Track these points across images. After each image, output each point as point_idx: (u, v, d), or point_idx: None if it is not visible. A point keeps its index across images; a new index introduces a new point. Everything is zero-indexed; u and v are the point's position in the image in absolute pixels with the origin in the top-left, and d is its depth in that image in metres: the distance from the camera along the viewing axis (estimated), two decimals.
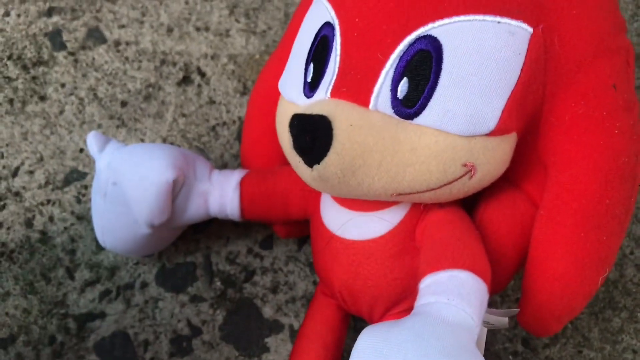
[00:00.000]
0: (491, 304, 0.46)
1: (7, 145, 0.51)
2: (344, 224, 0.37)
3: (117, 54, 0.55)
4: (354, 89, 0.31)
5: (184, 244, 0.48)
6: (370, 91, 0.31)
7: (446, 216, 0.35)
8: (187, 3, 0.58)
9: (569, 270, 0.33)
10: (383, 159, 0.31)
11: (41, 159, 0.51)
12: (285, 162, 0.43)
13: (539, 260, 0.33)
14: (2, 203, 0.49)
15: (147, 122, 0.53)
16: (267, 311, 0.46)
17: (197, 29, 0.57)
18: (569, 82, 0.32)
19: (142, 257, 0.47)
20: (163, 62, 0.55)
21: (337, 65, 0.32)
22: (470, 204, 0.38)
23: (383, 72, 0.31)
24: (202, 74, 0.55)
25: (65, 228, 0.48)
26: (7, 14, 0.56)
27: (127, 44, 0.56)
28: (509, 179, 0.36)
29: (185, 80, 0.55)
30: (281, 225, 0.46)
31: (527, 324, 0.36)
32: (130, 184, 0.40)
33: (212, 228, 0.49)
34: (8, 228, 0.48)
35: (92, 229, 0.48)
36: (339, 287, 0.38)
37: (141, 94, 0.54)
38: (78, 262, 0.47)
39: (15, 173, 0.50)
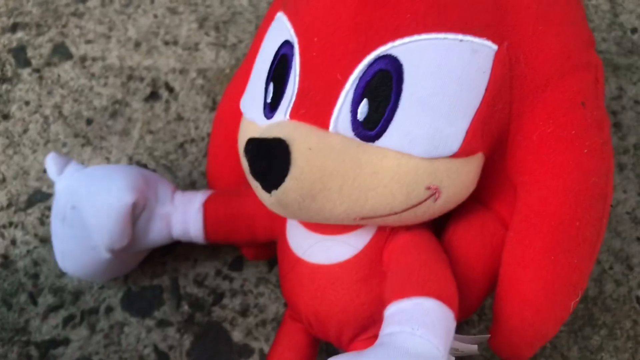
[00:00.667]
0: (467, 323, 0.45)
1: None
2: (309, 247, 0.36)
3: (83, 70, 0.54)
4: (313, 110, 0.30)
5: (150, 267, 0.47)
6: (330, 113, 0.30)
7: (412, 240, 0.34)
8: (155, 17, 0.56)
9: (539, 295, 0.32)
10: (344, 182, 0.30)
11: (4, 180, 0.49)
12: None
13: (508, 284, 0.32)
14: None
15: (113, 139, 0.51)
16: (237, 335, 0.45)
17: (166, 43, 0.55)
18: (536, 100, 0.31)
19: (106, 281, 0.46)
20: (130, 77, 0.54)
21: (297, 85, 0.31)
22: (439, 225, 0.36)
23: (342, 93, 0.30)
24: (170, 89, 0.54)
25: (28, 251, 0.47)
26: None
27: (94, 59, 0.54)
28: (478, 199, 0.35)
29: (153, 95, 0.53)
30: (249, 248, 0.44)
31: (498, 349, 0.34)
32: (88, 208, 0.39)
33: (179, 250, 0.47)
34: None
35: None
36: (306, 312, 0.37)
37: (107, 110, 0.52)
38: (41, 286, 0.46)
39: None
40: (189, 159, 0.51)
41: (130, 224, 0.39)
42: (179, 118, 0.53)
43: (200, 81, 0.54)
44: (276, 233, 0.39)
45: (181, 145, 0.52)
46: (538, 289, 0.31)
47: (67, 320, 0.45)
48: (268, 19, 0.40)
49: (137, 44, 0.55)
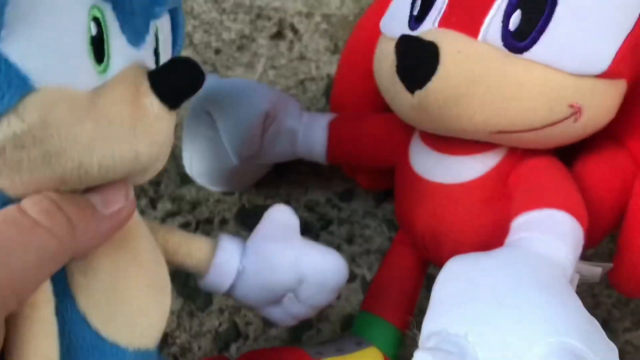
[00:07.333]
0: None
1: None
2: (432, 166, 0.37)
3: (214, 5, 0.57)
4: (464, 19, 0.31)
5: (265, 188, 0.49)
6: (481, 22, 0.31)
7: (542, 162, 0.34)
8: None
9: None
10: (488, 90, 0.30)
11: None
12: (375, 110, 0.43)
13: (639, 215, 0.32)
14: None
15: (239, 70, 0.54)
16: None
17: None
18: None
19: (224, 193, 0.48)
20: (258, 16, 0.56)
21: None
22: (568, 163, 0.37)
23: (496, 4, 0.30)
24: (295, 31, 0.56)
25: None
26: None
27: None
28: (612, 135, 0.35)
29: (278, 35, 0.56)
30: (364, 175, 0.46)
31: (619, 281, 0.34)
32: (224, 113, 0.41)
33: (293, 176, 0.49)
34: None
35: (178, 165, 0.49)
36: (422, 231, 0.37)
37: (235, 43, 0.55)
38: (162, 193, 0.49)
39: None
40: (308, 95, 0.53)
41: (260, 132, 0.41)
42: (301, 57, 0.55)
43: (324, 26, 0.56)
44: (397, 155, 0.40)
45: (302, 82, 0.54)
46: None
47: (183, 227, 0.48)
48: None
49: None
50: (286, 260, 0.32)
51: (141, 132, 0.23)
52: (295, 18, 0.56)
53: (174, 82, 0.24)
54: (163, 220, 0.48)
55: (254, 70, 0.54)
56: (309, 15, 0.56)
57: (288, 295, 0.33)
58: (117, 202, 0.24)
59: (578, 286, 0.34)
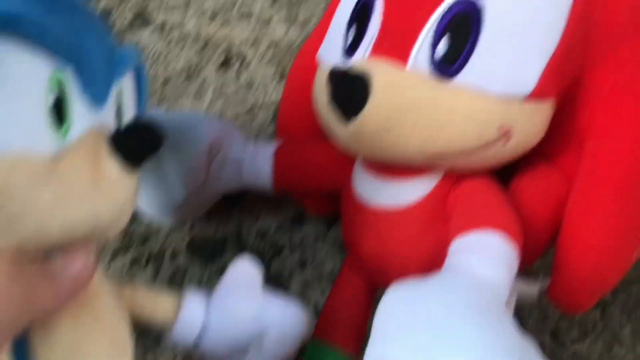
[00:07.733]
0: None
1: None
2: (374, 191, 0.37)
3: (161, 36, 0.57)
4: (393, 48, 0.32)
5: (217, 217, 0.49)
6: (409, 50, 0.31)
7: (478, 184, 0.35)
8: None
9: (604, 241, 0.32)
10: (418, 118, 0.31)
11: None
12: (320, 137, 0.44)
13: (573, 231, 0.33)
14: None
15: (187, 100, 0.54)
16: (294, 286, 0.46)
17: (241, 16, 0.58)
18: (612, 50, 0.32)
19: (174, 223, 0.48)
20: (205, 45, 0.57)
21: (378, 27, 0.33)
22: (503, 183, 0.37)
23: (423, 32, 0.31)
24: (242, 59, 0.56)
25: None
26: None
27: (172, 27, 0.58)
28: (544, 155, 0.36)
29: (226, 63, 0.56)
30: (312, 201, 0.46)
31: (557, 297, 0.35)
32: (169, 147, 0.41)
33: (243, 203, 0.49)
34: None
35: None
36: (367, 257, 0.38)
37: (183, 74, 0.55)
38: None
39: None
40: (257, 122, 0.53)
41: (206, 164, 0.41)
42: (249, 85, 0.55)
43: (271, 52, 0.56)
44: (342, 181, 0.41)
45: (250, 109, 0.54)
46: (603, 234, 0.32)
47: (134, 261, 0.47)
48: None
49: (214, 16, 0.58)
50: (249, 314, 0.33)
51: (101, 195, 0.24)
52: (242, 46, 0.57)
53: (133, 145, 0.25)
54: (114, 255, 0.47)
55: (202, 99, 0.54)
56: (255, 42, 0.57)
57: (252, 345, 0.34)
58: (77, 265, 0.24)
59: (517, 302, 0.34)
